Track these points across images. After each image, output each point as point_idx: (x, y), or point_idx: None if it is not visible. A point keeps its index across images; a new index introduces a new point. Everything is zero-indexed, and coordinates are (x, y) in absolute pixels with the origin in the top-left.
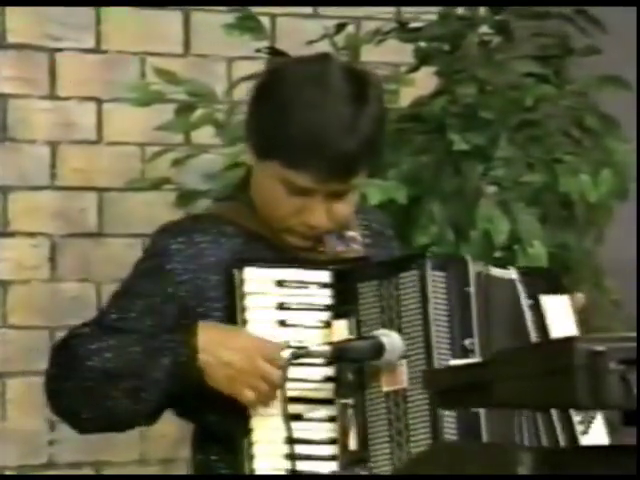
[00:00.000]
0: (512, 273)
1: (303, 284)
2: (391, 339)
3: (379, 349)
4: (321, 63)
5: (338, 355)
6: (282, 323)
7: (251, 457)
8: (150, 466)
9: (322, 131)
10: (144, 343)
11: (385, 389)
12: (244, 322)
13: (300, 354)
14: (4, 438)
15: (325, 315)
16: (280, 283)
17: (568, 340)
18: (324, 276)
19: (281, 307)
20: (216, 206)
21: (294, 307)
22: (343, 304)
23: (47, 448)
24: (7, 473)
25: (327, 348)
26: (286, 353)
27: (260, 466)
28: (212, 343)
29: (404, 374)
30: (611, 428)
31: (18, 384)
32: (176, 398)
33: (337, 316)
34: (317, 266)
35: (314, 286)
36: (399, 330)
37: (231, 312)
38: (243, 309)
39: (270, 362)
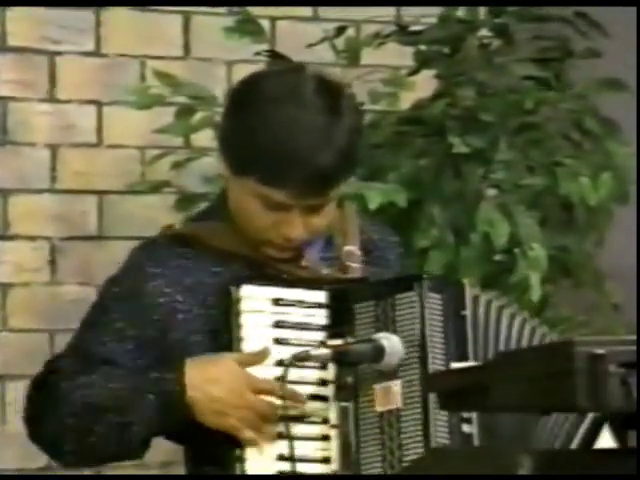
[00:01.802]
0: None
1: (299, 303)
2: (391, 342)
3: (379, 352)
4: (294, 76)
5: (339, 358)
6: (278, 341)
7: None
8: (150, 469)
9: (297, 147)
10: (129, 379)
11: (379, 409)
12: (239, 340)
13: (301, 357)
14: (3, 441)
15: (321, 335)
16: (276, 302)
17: (568, 343)
18: (320, 296)
19: (277, 325)
20: (193, 226)
21: (290, 326)
22: (339, 324)
23: None
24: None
25: (327, 351)
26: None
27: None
28: (200, 379)
29: (398, 394)
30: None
31: (18, 387)
32: (163, 431)
33: (333, 336)
34: (314, 286)
35: (310, 306)
36: None
37: (213, 338)
38: (239, 326)
39: (259, 393)
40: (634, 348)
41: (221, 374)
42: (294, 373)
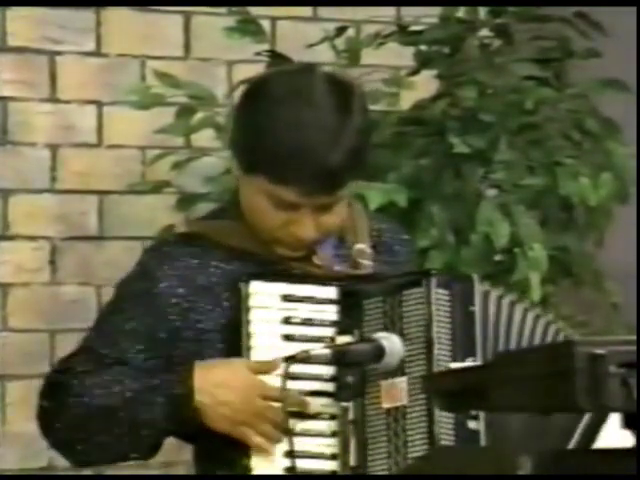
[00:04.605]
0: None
1: (309, 299)
2: (391, 342)
3: (379, 352)
4: (304, 75)
5: (338, 358)
6: (287, 337)
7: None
8: (151, 469)
9: (306, 146)
10: (140, 380)
11: (385, 406)
12: (248, 336)
13: (301, 358)
14: (4, 441)
15: (330, 331)
16: (286, 298)
17: (568, 343)
18: (330, 292)
19: (286, 321)
20: (204, 224)
21: (299, 322)
22: (348, 320)
23: (47, 451)
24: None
25: (327, 351)
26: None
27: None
28: (209, 383)
29: (404, 391)
30: None
31: (18, 387)
32: (173, 433)
33: (341, 332)
34: (323, 282)
35: (320, 302)
36: None
37: (227, 335)
38: (248, 322)
39: (268, 400)
40: (634, 348)
41: (230, 378)
42: (300, 368)
